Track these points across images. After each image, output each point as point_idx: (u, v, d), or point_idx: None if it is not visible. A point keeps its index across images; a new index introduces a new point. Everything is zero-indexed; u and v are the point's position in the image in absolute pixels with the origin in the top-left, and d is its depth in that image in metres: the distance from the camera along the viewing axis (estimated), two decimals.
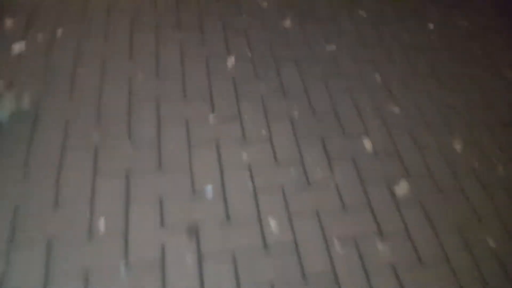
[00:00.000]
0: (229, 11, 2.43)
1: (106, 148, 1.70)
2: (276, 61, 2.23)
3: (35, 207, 1.50)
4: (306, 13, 2.57)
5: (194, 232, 1.56)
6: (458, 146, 2.14)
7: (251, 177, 1.74)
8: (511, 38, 2.93)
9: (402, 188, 1.88)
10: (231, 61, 2.15)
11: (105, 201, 1.56)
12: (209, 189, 1.67)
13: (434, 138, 2.14)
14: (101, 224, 1.51)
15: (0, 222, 1.45)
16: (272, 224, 1.64)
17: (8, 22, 2.03)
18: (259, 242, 1.60)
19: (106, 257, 1.45)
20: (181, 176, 1.68)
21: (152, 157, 1.72)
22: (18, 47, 1.94)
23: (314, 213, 1.70)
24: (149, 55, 2.07)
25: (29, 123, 1.70)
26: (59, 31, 2.05)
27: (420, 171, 1.98)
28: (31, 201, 1.51)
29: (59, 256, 1.42)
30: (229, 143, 1.83)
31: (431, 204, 1.87)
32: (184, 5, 2.37)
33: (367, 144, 1.99)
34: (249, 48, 2.25)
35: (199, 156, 1.76)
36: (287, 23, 2.46)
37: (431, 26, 2.78)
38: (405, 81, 2.36)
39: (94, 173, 1.62)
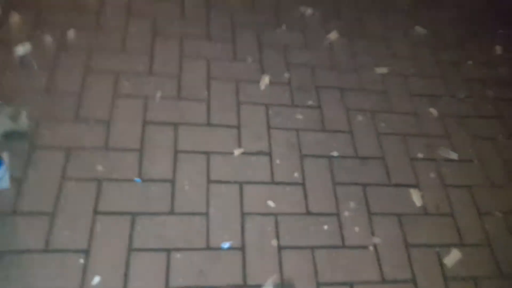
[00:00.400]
0: (267, 20, 2.13)
1: (111, 182, 1.47)
2: (317, 86, 1.93)
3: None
4: (354, 26, 2.25)
5: None
6: None
7: (277, 231, 1.48)
8: None
9: (452, 259, 1.58)
10: (264, 82, 1.87)
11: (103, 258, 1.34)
12: (226, 246, 1.42)
13: (497, 201, 1.78)
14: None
15: None
16: None
17: (15, 18, 1.81)
18: None
19: None
20: (195, 225, 1.44)
21: (164, 198, 1.48)
22: (22, 49, 1.72)
23: (347, 286, 1.43)
24: (171, 69, 1.82)
25: (27, 143, 1.48)
26: (71, 33, 1.81)
27: (476, 240, 1.67)
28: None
29: None
30: (253, 186, 1.56)
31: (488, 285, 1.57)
32: (216, 12, 2.10)
33: (416, 198, 1.69)
34: (287, 67, 1.96)
35: (218, 198, 1.51)
36: (333, 37, 2.15)
37: (498, 50, 2.41)
38: (466, 122, 2.02)
39: (94, 210, 1.39)
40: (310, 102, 1.87)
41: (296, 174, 1.64)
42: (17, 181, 1.40)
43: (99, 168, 1.48)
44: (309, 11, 2.25)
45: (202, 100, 1.75)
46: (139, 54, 1.82)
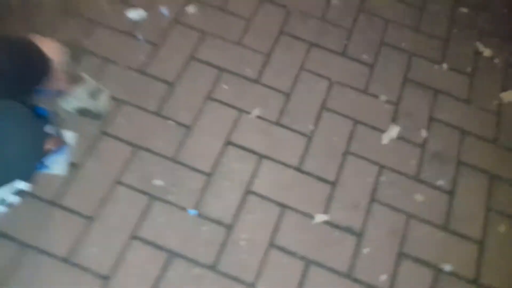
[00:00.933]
0: (426, 49, 1.63)
1: (162, 204, 1.27)
2: (461, 161, 1.42)
3: None
4: None
5: None
6: None
7: None
8: None
9: None
10: (390, 134, 1.44)
11: None
12: None
13: None
14: None
15: None
16: None
17: None
18: None
19: None
20: None
21: (212, 245, 1.23)
22: (135, 14, 1.56)
23: None
24: (281, 83, 1.49)
25: (97, 128, 1.35)
26: (190, 9, 1.59)
27: None
28: None
29: None
30: (322, 271, 1.21)
31: None
32: (365, 21, 1.67)
33: None
34: (428, 122, 1.48)
35: (274, 272, 1.20)
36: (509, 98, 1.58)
37: None
38: None
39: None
40: (440, 182, 1.39)
41: (383, 277, 1.24)
42: (73, 168, 1.29)
43: (157, 182, 1.29)
44: (487, 52, 1.68)
45: (303, 135, 1.41)
46: (253, 53, 1.54)
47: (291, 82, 1.50)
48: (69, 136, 1.32)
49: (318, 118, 1.44)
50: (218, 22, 1.59)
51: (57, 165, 1.28)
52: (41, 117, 1.17)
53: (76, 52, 1.44)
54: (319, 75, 1.53)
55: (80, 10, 1.54)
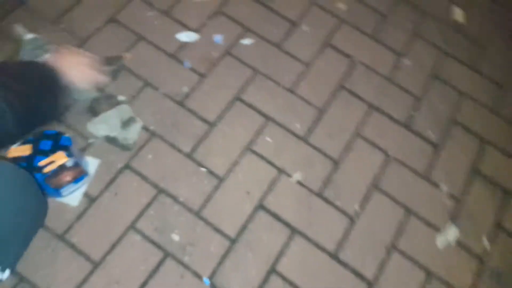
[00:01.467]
0: None
1: (176, 266, 1.14)
2: None
3: None
4: None
5: None
6: None
7: None
8: None
9: None
10: (446, 238, 1.28)
11: None
12: None
13: None
14: None
15: None
16: None
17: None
18: None
19: None
20: None
21: None
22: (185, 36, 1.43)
23: None
24: (334, 146, 1.33)
25: (121, 159, 1.23)
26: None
27: None
28: None
29: None
30: None
31: None
32: (439, 83, 1.50)
33: None
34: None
35: None
36: None
37: None
38: None
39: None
40: None
41: None
42: (88, 200, 1.18)
43: (175, 237, 1.17)
44: None
45: (346, 215, 1.25)
46: (306, 105, 1.38)
47: (342, 147, 1.34)
48: (91, 162, 1.21)
49: (366, 198, 1.29)
50: (273, 61, 1.45)
51: (71, 195, 1.17)
52: (64, 147, 1.06)
53: (115, 67, 1.33)
54: (375, 145, 1.37)
55: (127, 21, 1.43)
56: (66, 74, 0.96)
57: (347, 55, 1.51)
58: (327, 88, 1.44)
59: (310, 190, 1.27)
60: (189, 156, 1.26)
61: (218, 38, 1.44)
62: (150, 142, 1.26)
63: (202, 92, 1.36)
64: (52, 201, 1.15)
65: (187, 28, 1.45)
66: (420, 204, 1.30)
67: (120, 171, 1.22)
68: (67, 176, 1.10)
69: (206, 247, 1.16)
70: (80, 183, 1.17)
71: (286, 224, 1.22)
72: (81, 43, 1.37)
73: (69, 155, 1.06)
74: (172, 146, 1.27)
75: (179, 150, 1.27)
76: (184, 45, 1.43)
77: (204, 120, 1.32)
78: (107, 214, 1.17)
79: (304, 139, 1.34)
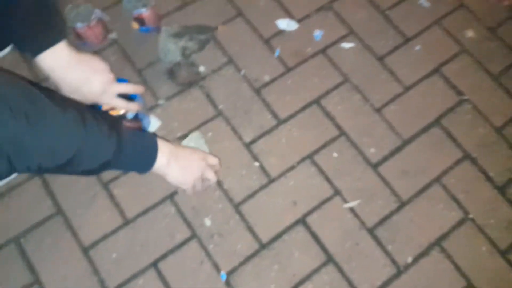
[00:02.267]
0: None
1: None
2: None
3: None
4: None
5: None
6: None
7: None
8: None
9: None
10: None
11: None
12: None
13: None
14: None
15: None
16: None
17: None
18: None
19: None
20: None
21: None
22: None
23: None
24: None
25: None
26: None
27: None
28: None
29: None
30: None
31: None
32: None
33: None
34: None
35: None
36: None
37: None
38: None
39: None
40: None
41: None
42: None
43: (207, 222, 1.15)
44: None
45: (394, 262, 1.12)
46: (392, 137, 1.28)
47: (415, 190, 1.21)
48: (153, 122, 1.26)
49: (423, 254, 1.14)
50: (369, 73, 1.36)
51: None
52: (130, 98, 1.11)
53: (205, 37, 1.36)
54: (456, 200, 1.20)
55: None
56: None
57: (458, 91, 1.35)
58: (420, 119, 1.31)
59: (362, 223, 1.18)
60: (247, 146, 1.25)
61: (318, 34, 1.39)
62: (213, 120, 1.27)
63: (282, 86, 1.33)
64: None
65: (290, 16, 1.42)
66: (484, 281, 1.13)
67: (175, 140, 1.25)
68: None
69: (234, 242, 1.14)
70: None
71: (324, 250, 1.15)
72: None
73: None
74: (234, 131, 1.26)
75: (240, 138, 1.26)
76: (280, 33, 1.40)
77: (275, 115, 1.29)
78: (151, 176, 1.21)
79: (374, 167, 1.24)
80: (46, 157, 0.70)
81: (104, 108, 1.08)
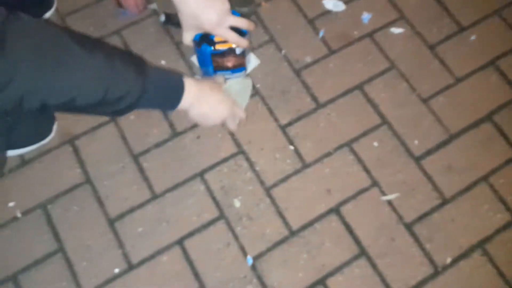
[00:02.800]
0: None
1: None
2: None
3: None
4: None
5: None
6: None
7: None
8: None
9: None
10: None
11: None
12: None
13: None
14: None
15: None
16: None
17: None
18: None
19: None
20: None
21: None
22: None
23: None
24: None
25: None
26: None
27: None
28: None
29: None
30: None
31: None
32: None
33: None
34: None
35: None
36: None
37: None
38: None
39: None
40: None
41: None
42: (172, 132, 1.22)
43: (236, 203, 1.14)
44: None
45: (431, 262, 1.08)
46: (438, 130, 1.24)
47: (460, 187, 1.16)
48: (253, 61, 1.28)
49: (464, 255, 1.09)
50: (418, 62, 1.30)
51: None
52: (242, 33, 1.10)
53: (248, 11, 1.32)
54: (503, 202, 1.14)
55: None
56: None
57: None
58: (470, 114, 1.25)
59: (400, 218, 1.13)
60: (282, 129, 1.22)
61: (366, 16, 1.34)
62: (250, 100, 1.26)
63: (324, 69, 1.29)
64: (139, 122, 1.22)
65: None
66: None
67: None
68: (230, 62, 1.16)
69: (263, 227, 1.12)
70: (235, 75, 1.22)
71: (357, 242, 1.11)
72: None
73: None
74: (270, 112, 1.24)
75: (275, 119, 1.23)
76: (327, 13, 1.36)
77: (314, 98, 1.25)
78: (183, 152, 1.21)
79: (417, 160, 1.19)
80: (76, 95, 0.74)
81: (216, 39, 1.09)
